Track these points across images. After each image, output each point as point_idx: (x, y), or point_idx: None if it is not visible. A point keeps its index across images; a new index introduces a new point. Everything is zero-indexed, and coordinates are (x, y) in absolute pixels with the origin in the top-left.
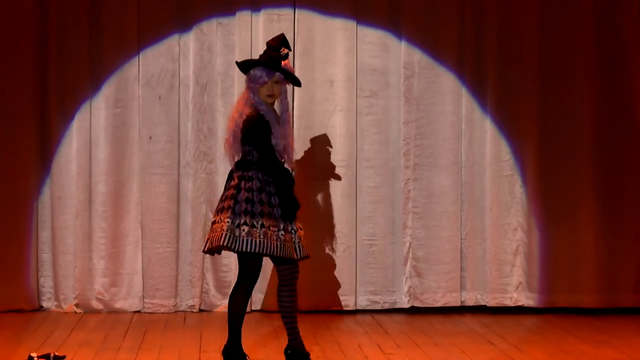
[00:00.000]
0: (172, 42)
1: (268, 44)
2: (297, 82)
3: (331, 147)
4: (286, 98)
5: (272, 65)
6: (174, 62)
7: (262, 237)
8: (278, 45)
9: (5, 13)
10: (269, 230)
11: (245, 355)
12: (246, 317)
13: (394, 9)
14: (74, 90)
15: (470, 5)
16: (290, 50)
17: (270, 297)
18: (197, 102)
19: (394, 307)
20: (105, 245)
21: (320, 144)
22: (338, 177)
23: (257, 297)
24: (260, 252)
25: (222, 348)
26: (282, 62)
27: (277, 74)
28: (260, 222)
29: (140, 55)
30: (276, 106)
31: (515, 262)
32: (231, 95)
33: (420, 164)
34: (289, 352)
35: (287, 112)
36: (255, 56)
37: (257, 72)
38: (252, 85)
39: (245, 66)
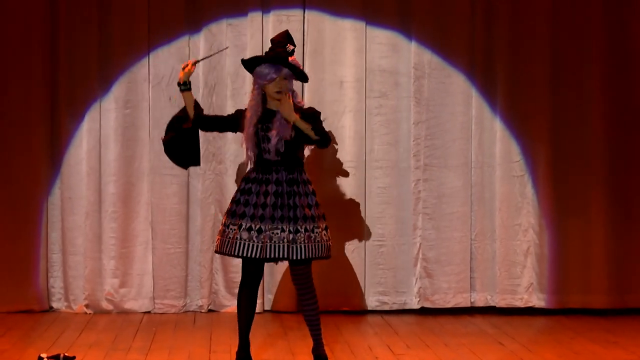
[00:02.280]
0: (182, 43)
1: (272, 40)
2: (304, 78)
3: (340, 148)
4: (296, 97)
5: (279, 61)
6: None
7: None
8: (283, 42)
9: (15, 14)
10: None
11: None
12: (256, 317)
13: (403, 9)
14: (83, 91)
15: (481, 6)
16: (295, 46)
17: (279, 296)
18: (205, 103)
19: (404, 308)
20: (115, 246)
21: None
22: (346, 174)
23: (267, 298)
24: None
25: (236, 350)
26: (289, 58)
27: (285, 70)
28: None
29: (151, 56)
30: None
31: (525, 263)
32: (241, 95)
33: (430, 164)
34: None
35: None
36: None
37: (263, 69)
38: (260, 82)
39: (250, 63)
